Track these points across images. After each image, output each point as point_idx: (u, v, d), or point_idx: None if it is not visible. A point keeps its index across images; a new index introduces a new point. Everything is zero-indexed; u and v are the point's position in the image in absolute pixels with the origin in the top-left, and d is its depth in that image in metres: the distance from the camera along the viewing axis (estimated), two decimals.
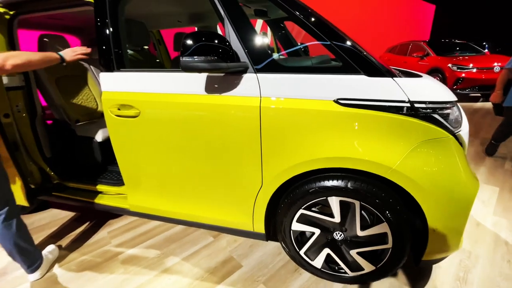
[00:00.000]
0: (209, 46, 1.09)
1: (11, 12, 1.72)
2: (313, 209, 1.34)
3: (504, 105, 2.70)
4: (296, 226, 1.39)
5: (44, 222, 2.12)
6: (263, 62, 1.20)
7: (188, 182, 1.49)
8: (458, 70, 5.96)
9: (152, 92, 1.37)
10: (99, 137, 1.98)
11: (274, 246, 1.74)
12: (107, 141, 2.01)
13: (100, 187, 1.88)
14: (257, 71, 1.21)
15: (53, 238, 1.92)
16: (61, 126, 2.14)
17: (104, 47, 1.42)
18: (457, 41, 7.64)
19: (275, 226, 1.47)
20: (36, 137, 1.92)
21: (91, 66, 2.40)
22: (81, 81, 2.29)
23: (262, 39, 1.24)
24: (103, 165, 2.08)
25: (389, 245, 1.26)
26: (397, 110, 1.08)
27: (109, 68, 1.43)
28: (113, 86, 1.43)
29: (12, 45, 1.75)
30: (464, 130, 1.23)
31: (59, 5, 1.61)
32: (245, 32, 1.21)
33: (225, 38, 1.14)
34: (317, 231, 1.38)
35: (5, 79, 1.71)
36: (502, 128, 2.89)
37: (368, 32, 11.68)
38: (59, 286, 1.50)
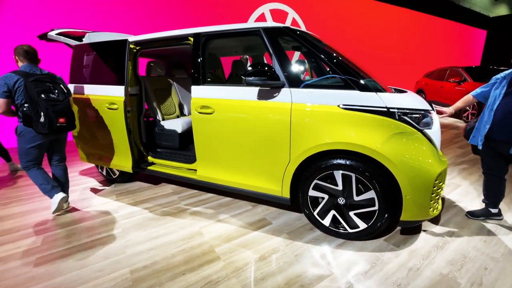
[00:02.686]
0: (262, 71, 1.85)
1: (137, 48, 2.73)
2: (328, 180, 1.95)
3: (469, 142, 2.20)
4: (312, 193, 2.01)
5: (135, 188, 3.01)
6: (294, 81, 1.93)
7: (241, 159, 2.21)
8: None
9: (223, 98, 2.17)
10: (179, 130, 2.85)
11: (296, 215, 2.34)
12: (184, 133, 2.88)
13: (176, 164, 2.71)
14: (290, 86, 1.93)
15: (141, 197, 2.77)
16: (153, 122, 3.08)
17: (196, 70, 2.28)
18: (501, 68, 7.58)
19: (298, 194, 2.10)
20: (139, 127, 2.86)
21: (174, 83, 3.39)
22: (168, 93, 3.26)
23: (294, 67, 1.97)
24: (179, 149, 2.93)
25: (376, 207, 1.81)
26: (378, 112, 1.70)
27: (198, 83, 2.28)
28: (199, 94, 2.27)
29: (135, 67, 2.76)
30: (433, 130, 1.76)
31: (168, 43, 2.56)
32: (283, 62, 1.96)
33: (271, 66, 1.89)
34: (326, 197, 1.98)
35: (129, 90, 2.69)
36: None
37: (418, 58, 11.93)
38: (152, 221, 2.30)
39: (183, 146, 2.95)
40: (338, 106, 1.78)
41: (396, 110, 1.69)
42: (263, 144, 2.07)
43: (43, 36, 3.08)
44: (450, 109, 2.21)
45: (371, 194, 1.80)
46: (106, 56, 2.72)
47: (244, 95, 2.08)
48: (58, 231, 2.19)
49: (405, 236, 2.01)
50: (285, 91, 1.94)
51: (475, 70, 7.19)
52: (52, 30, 3.15)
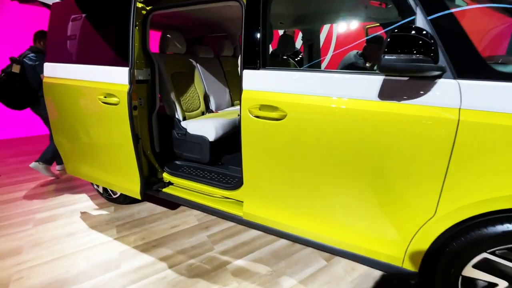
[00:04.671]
0: (412, 40, 0.90)
1: (148, 8, 1.76)
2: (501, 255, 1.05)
3: None
4: (471, 272, 1.10)
5: (143, 215, 2.13)
6: (469, 66, 0.97)
7: (326, 198, 1.30)
8: None
9: (305, 93, 1.22)
10: (211, 137, 1.90)
11: (404, 284, 1.46)
12: (218, 141, 1.94)
13: (207, 189, 1.80)
14: (457, 76, 0.98)
15: (154, 234, 1.89)
16: (169, 120, 2.13)
17: (251, 44, 1.33)
18: None
19: (435, 268, 1.20)
20: (150, 131, 1.93)
21: (198, 64, 2.41)
22: (190, 78, 2.30)
23: (464, 36, 1.01)
24: (210, 164, 2.00)
25: None
26: None
27: (254, 66, 1.33)
28: (257, 84, 1.33)
29: (144, 38, 1.79)
30: None
31: (198, 0, 1.58)
32: (444, 26, 0.99)
33: (427, 32, 0.92)
34: (503, 284, 1.08)
35: (136, 73, 1.75)
36: None
37: None
38: None
39: (215, 160, 2.02)
40: None
41: None
42: (382, 180, 1.15)
43: None
44: None
45: None
46: (101, 21, 1.75)
47: (353, 90, 1.14)
48: None
49: None
50: (447, 84, 0.99)
51: None
52: None
